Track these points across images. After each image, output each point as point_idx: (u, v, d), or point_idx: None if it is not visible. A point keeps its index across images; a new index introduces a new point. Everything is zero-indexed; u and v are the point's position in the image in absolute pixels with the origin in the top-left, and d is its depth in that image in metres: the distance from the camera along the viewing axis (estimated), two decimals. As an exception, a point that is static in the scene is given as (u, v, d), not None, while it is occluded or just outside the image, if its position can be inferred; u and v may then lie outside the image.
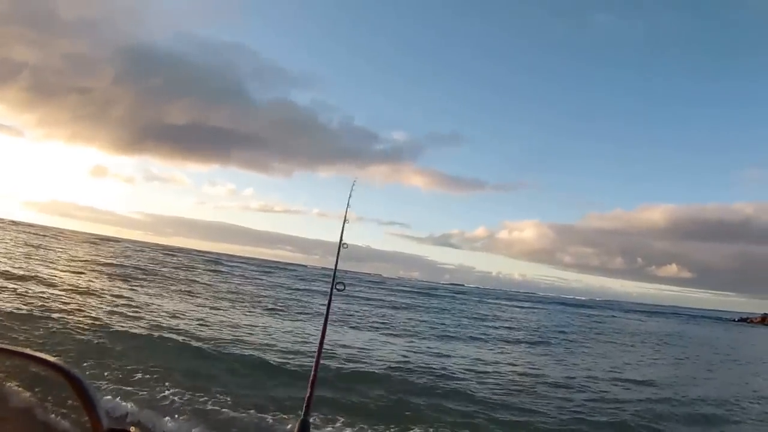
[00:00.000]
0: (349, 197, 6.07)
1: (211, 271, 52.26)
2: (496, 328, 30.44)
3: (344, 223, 5.61)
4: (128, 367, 10.84)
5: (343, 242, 5.66)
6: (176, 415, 8.70)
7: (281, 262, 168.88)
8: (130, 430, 0.55)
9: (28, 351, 0.57)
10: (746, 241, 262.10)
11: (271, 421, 8.79)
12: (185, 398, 9.42)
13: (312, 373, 3.29)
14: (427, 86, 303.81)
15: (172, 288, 28.26)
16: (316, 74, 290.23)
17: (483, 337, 25.10)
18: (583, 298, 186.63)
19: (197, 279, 38.17)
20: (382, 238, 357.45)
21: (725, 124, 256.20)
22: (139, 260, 49.90)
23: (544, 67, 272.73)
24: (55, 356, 0.59)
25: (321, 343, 3.85)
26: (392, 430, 9.17)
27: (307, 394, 2.99)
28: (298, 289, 41.52)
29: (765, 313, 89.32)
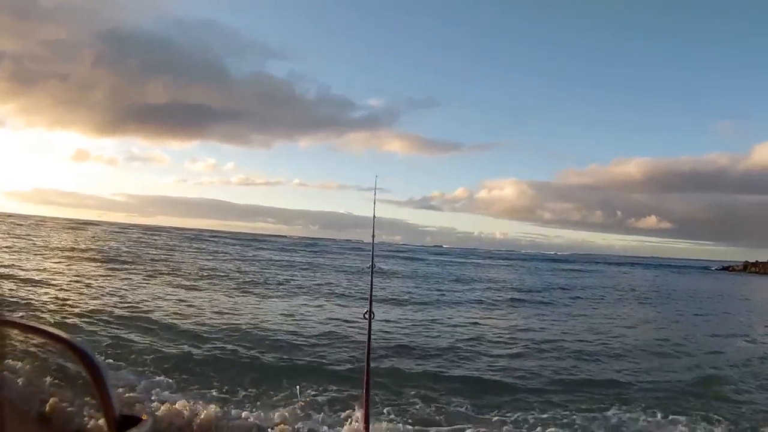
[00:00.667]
0: (375, 194, 6.71)
1: (192, 248, 51.05)
2: (483, 290, 29.72)
3: (374, 221, 6.50)
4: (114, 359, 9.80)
5: (375, 217, 6.67)
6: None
7: (262, 234, 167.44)
8: (143, 417, 0.55)
9: (47, 328, 0.55)
10: (722, 191, 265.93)
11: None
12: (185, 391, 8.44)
13: (364, 387, 3.22)
14: (401, 52, 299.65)
15: (150, 270, 27.09)
16: (292, 45, 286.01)
17: (472, 300, 24.37)
18: (566, 254, 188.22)
19: (175, 258, 37.02)
20: (363, 204, 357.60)
21: (696, 78, 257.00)
22: (119, 243, 48.66)
23: (514, 27, 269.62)
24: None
25: (368, 360, 3.77)
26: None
27: (364, 408, 2.92)
28: (276, 261, 40.48)
29: (746, 261, 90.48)
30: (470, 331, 15.86)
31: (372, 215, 6.70)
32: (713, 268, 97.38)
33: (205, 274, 27.23)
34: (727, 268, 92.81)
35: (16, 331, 0.60)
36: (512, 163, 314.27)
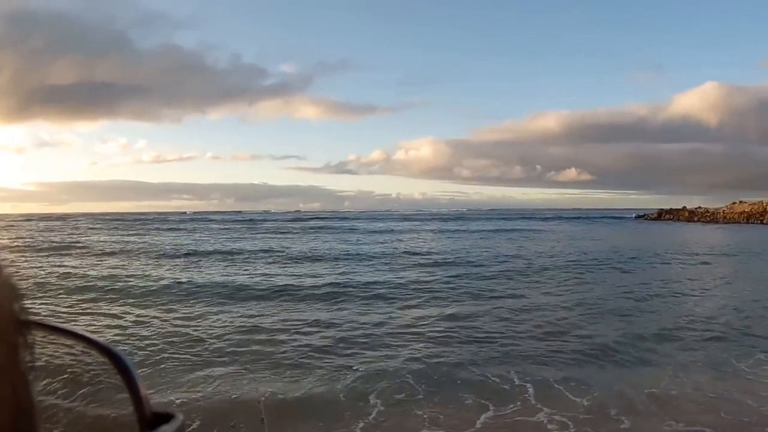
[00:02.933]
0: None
1: (73, 245, 44.27)
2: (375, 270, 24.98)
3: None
4: None
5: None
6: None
7: (172, 213, 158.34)
8: (176, 414, 0.60)
9: (73, 329, 0.62)
10: (643, 141, 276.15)
11: None
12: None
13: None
14: (312, 14, 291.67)
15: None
16: (199, 14, 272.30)
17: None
18: (485, 209, 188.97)
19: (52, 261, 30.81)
20: (278, 173, 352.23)
21: (612, 29, 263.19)
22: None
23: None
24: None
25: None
26: None
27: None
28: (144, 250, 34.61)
29: (661, 209, 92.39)
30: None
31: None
32: (631, 217, 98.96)
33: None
34: (643, 216, 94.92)
35: (42, 334, 0.59)
36: (428, 123, 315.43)
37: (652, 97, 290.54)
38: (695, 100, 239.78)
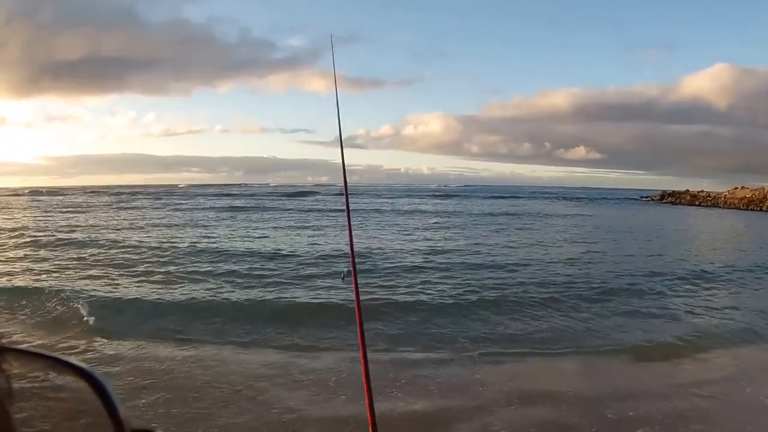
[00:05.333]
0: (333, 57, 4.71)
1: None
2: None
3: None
4: None
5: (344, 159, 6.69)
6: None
7: (177, 186, 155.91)
8: (154, 430, 0.61)
9: (47, 352, 0.61)
10: (652, 121, 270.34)
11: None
12: None
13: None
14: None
15: None
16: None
17: None
18: (492, 185, 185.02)
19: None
20: (287, 147, 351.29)
21: (622, 6, 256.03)
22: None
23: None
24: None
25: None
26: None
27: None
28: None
29: (664, 191, 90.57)
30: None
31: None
32: (636, 198, 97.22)
33: None
34: (646, 197, 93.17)
35: (15, 359, 0.59)
36: (437, 97, 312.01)
37: (662, 77, 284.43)
38: (705, 81, 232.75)
